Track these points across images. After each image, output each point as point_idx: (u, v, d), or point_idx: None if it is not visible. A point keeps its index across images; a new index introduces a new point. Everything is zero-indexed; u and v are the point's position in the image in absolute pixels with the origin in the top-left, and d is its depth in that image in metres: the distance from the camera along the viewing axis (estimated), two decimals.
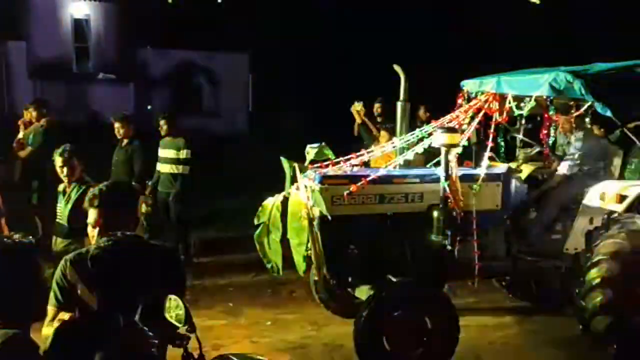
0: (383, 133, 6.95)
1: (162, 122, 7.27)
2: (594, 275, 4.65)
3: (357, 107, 7.98)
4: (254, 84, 21.09)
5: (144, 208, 6.74)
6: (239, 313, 6.01)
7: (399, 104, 5.42)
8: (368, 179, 4.76)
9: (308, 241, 4.91)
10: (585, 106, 5.17)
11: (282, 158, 5.15)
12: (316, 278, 5.46)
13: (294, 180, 5.03)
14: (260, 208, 5.19)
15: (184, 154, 7.09)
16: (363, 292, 4.85)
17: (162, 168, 7.22)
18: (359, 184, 4.72)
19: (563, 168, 5.37)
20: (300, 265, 4.99)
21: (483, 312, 6.08)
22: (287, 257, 5.07)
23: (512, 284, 6.09)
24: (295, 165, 5.03)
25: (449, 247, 4.79)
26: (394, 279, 4.68)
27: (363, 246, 4.85)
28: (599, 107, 4.60)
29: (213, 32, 17.49)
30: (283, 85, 18.50)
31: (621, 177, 5.71)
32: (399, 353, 4.54)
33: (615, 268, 4.60)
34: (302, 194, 4.88)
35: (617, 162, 5.76)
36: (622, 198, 4.75)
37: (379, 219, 4.89)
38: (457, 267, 5.04)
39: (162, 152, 7.25)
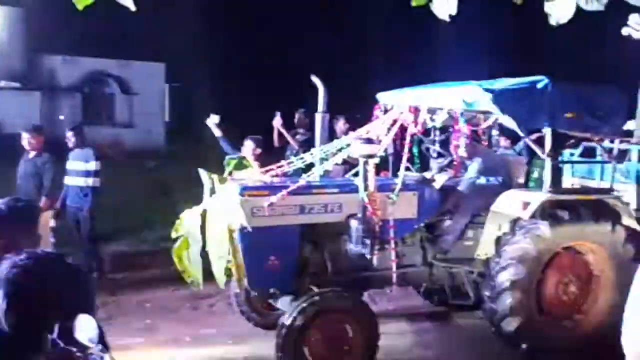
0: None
1: (69, 135, 6.99)
2: (503, 279, 4.89)
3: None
4: (170, 93, 20.66)
5: (52, 223, 6.39)
6: (156, 330, 5.82)
7: (317, 115, 5.48)
8: (288, 190, 4.78)
9: (228, 253, 4.85)
10: (493, 118, 5.46)
11: (200, 170, 5.06)
12: (237, 290, 5.39)
13: (212, 191, 4.96)
14: (177, 220, 5.08)
15: (93, 165, 6.81)
16: (285, 304, 4.84)
17: (71, 181, 6.89)
18: (279, 195, 4.73)
19: (467, 181, 5.64)
20: (221, 278, 4.91)
21: (401, 319, 6.24)
22: (207, 269, 4.98)
23: (427, 291, 6.28)
24: (214, 176, 4.97)
25: (367, 256, 4.89)
26: (315, 289, 4.70)
27: (284, 257, 4.85)
28: (504, 119, 4.88)
29: (127, 40, 16.97)
30: (201, 95, 18.23)
31: (525, 185, 6.05)
32: None
33: (522, 271, 4.86)
34: (222, 206, 4.81)
35: (521, 171, 6.10)
36: (526, 205, 5.03)
37: (299, 229, 4.92)
38: (376, 275, 5.17)
39: (71, 165, 6.93)
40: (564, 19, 3.05)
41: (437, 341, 5.76)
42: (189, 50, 17.69)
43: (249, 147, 6.54)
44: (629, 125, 7.12)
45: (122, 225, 8.98)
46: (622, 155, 6.45)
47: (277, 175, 5.28)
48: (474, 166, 5.56)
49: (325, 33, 16.26)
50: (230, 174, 5.67)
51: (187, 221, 5.01)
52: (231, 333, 5.66)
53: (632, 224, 5.32)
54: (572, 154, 7.03)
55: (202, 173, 5.03)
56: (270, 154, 7.28)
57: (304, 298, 4.53)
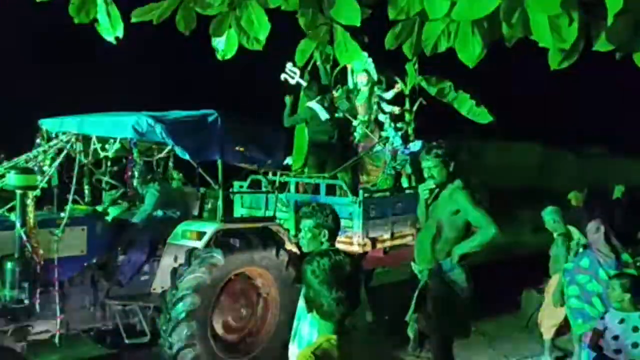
0: None
1: None
2: (179, 310, 4.84)
3: None
4: None
5: None
6: None
7: None
8: None
9: None
10: (167, 149, 5.45)
11: None
12: None
13: None
14: None
15: None
16: None
17: None
18: None
19: (142, 213, 5.51)
20: None
21: None
22: None
23: (100, 334, 5.82)
24: None
25: (26, 302, 4.29)
26: None
27: None
28: (177, 150, 4.91)
29: None
30: None
31: (200, 216, 6.18)
32: None
33: (197, 301, 4.89)
34: None
35: (196, 202, 6.22)
36: (201, 235, 5.12)
37: None
38: (38, 323, 4.56)
39: None
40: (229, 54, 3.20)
41: None
42: None
43: None
44: (288, 160, 7.99)
45: None
46: (283, 187, 7.15)
47: None
48: (149, 198, 5.44)
49: None
50: None
51: None
52: None
53: (293, 248, 5.89)
54: (241, 186, 7.50)
55: None
56: None
57: None
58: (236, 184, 7.57)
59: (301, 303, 3.36)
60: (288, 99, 7.59)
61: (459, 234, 4.00)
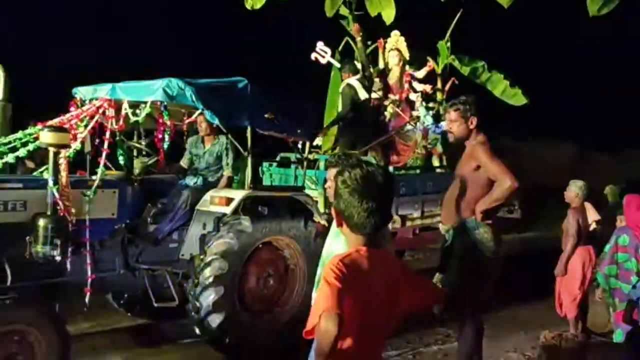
0: None
1: None
2: (207, 274, 4.84)
3: None
4: None
5: None
6: None
7: None
8: None
9: None
10: (197, 113, 5.47)
11: None
12: None
13: None
14: None
15: None
16: None
17: None
18: None
19: (189, 180, 5.57)
20: None
21: (100, 336, 5.69)
22: None
23: (128, 300, 5.89)
24: None
25: (57, 259, 4.34)
26: None
27: None
28: (207, 114, 4.92)
29: None
30: None
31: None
32: None
33: (225, 266, 4.89)
34: None
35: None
36: (229, 201, 5.12)
37: None
38: (68, 282, 4.61)
39: None
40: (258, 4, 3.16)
41: (143, 351, 5.40)
42: None
43: None
44: (318, 141, 7.97)
45: None
46: (312, 165, 7.11)
47: None
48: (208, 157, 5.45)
49: None
50: None
51: None
52: None
53: (321, 221, 5.85)
54: (271, 164, 7.50)
55: None
56: None
57: None
58: (265, 163, 7.58)
59: (327, 243, 3.32)
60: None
61: (481, 190, 3.88)
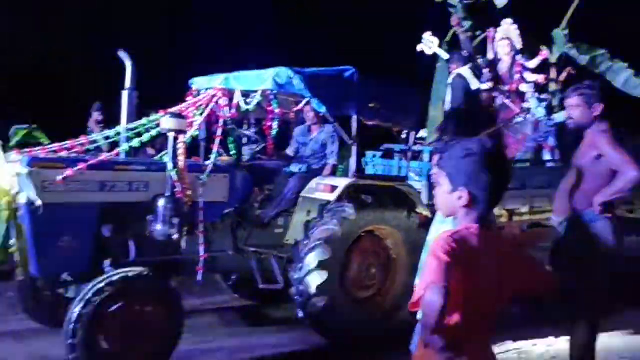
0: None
1: None
2: (310, 259, 4.96)
3: None
4: None
5: None
6: None
7: (124, 92, 5.13)
8: (87, 163, 4.35)
9: (9, 235, 4.25)
10: (304, 102, 5.61)
11: None
12: (21, 278, 4.73)
13: None
14: None
15: None
16: (78, 292, 4.33)
17: None
18: (77, 168, 4.28)
19: (294, 167, 5.75)
20: None
21: (210, 313, 6.02)
22: None
23: (236, 282, 6.17)
24: None
25: (175, 237, 4.64)
26: (114, 271, 4.29)
27: (79, 238, 4.38)
28: (315, 102, 5.03)
29: None
30: None
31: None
32: (118, 352, 4.15)
33: (328, 252, 4.98)
34: (5, 179, 4.22)
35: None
36: (333, 188, 5.21)
37: (98, 208, 4.49)
38: (182, 259, 4.92)
39: None
40: None
41: (247, 333, 5.64)
42: None
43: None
44: (422, 133, 7.87)
45: None
46: (416, 157, 7.05)
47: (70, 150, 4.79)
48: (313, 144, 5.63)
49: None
50: (18, 146, 5.02)
51: None
52: (13, 332, 4.93)
53: (425, 212, 5.79)
54: (374, 155, 7.53)
55: None
56: None
57: (99, 279, 4.11)
58: (369, 154, 7.62)
59: (433, 230, 3.29)
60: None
61: (602, 181, 3.64)
